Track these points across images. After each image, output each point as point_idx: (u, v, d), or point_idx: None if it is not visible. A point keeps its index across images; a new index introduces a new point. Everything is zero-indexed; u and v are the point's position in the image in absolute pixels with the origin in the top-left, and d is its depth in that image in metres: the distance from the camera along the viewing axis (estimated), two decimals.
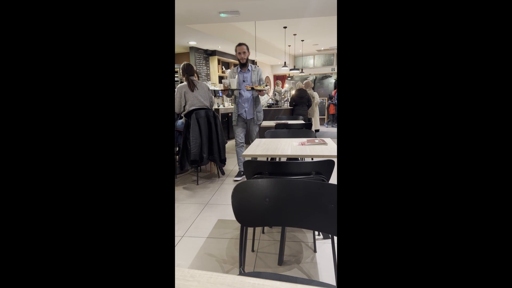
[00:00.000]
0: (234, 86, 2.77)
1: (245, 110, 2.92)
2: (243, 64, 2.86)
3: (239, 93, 2.89)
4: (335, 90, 8.39)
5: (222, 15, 4.02)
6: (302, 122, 3.18)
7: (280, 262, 1.51)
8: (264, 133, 2.16)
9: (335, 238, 1.37)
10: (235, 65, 3.40)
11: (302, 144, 1.59)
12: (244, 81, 2.89)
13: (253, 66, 2.93)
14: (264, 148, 1.58)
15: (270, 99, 5.78)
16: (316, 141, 1.65)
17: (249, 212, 0.81)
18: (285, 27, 6.54)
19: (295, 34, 7.40)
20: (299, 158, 2.06)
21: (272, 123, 3.23)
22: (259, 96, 2.96)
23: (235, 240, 1.76)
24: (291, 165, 1.20)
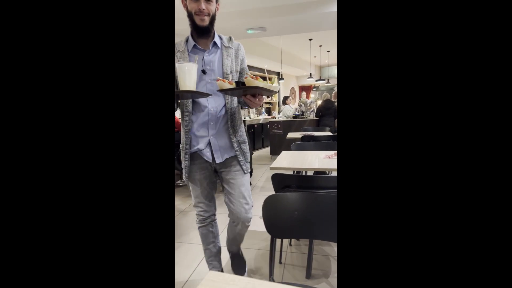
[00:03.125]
0: (188, 84, 0.93)
1: (209, 142, 1.13)
2: (203, 31, 1.06)
3: (193, 102, 1.12)
4: None
5: (249, 31, 4.19)
6: (329, 133, 3.16)
7: (308, 275, 1.51)
8: (290, 145, 2.19)
9: None
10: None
11: (329, 157, 1.61)
12: (205, 71, 1.09)
13: (225, 38, 1.14)
14: (291, 160, 1.62)
15: (296, 111, 5.80)
16: None
17: (279, 224, 0.86)
18: (310, 39, 6.61)
19: (320, 46, 7.43)
20: (327, 172, 2.06)
21: (298, 134, 3.25)
22: (249, 105, 1.03)
23: (263, 251, 1.79)
24: (319, 179, 1.23)
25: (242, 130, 1.21)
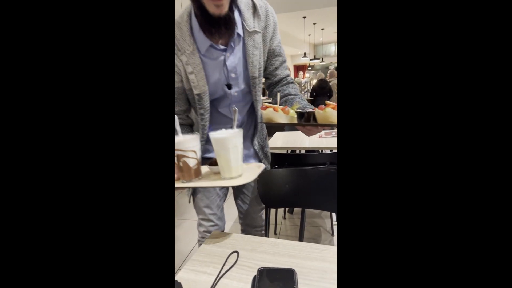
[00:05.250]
0: (235, 170, 0.61)
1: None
2: (220, 22, 0.64)
3: (214, 111, 0.82)
4: None
5: None
6: None
7: None
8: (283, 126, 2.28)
9: None
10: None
11: (320, 137, 1.71)
12: (230, 86, 0.76)
13: (246, 13, 0.71)
14: (284, 140, 1.73)
15: None
16: (333, 133, 1.76)
17: (272, 195, 0.97)
18: (304, 17, 6.48)
19: (315, 23, 7.29)
20: (320, 150, 2.18)
21: None
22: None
23: None
24: (308, 156, 1.34)
25: (264, 128, 0.92)
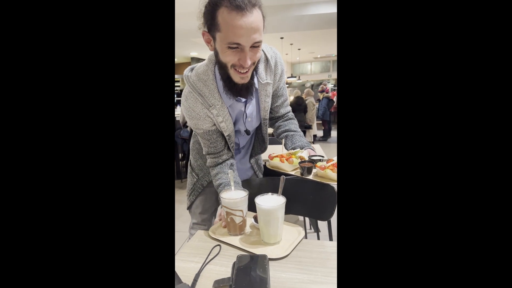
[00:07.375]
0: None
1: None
2: (242, 88, 0.76)
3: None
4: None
5: None
6: None
7: None
8: None
9: (320, 231, 1.63)
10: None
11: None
12: (248, 132, 0.95)
13: (260, 67, 0.82)
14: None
15: None
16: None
17: (252, 202, 1.08)
18: (282, 38, 6.87)
19: (291, 44, 7.73)
20: None
21: (270, 130, 3.47)
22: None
23: None
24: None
25: (265, 145, 1.05)
